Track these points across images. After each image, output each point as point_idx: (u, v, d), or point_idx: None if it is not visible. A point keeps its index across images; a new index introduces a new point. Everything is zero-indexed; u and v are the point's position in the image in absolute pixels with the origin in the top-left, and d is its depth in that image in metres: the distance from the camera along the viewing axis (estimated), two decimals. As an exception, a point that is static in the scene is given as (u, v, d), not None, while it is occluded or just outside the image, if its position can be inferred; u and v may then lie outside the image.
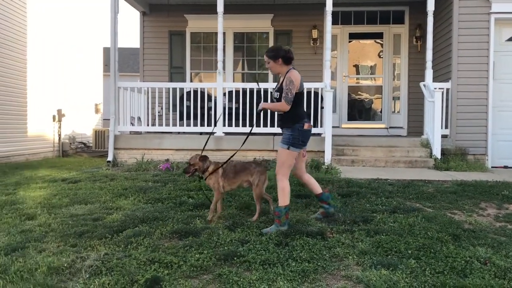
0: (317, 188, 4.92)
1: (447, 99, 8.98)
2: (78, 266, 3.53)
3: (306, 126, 4.58)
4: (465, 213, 5.21)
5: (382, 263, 3.55)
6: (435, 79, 9.35)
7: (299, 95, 4.58)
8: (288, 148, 4.53)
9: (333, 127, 8.65)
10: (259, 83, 9.82)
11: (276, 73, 4.76)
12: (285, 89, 4.48)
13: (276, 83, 5.00)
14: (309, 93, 8.68)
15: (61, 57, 14.80)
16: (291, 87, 4.45)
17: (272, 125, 8.91)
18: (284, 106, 4.49)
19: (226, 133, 9.14)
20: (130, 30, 44.58)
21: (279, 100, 4.59)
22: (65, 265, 3.54)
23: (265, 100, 9.02)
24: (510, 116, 9.08)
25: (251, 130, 5.62)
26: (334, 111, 11.14)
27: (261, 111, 4.83)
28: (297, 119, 4.57)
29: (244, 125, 9.14)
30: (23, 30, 12.74)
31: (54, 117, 14.52)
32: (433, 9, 8.83)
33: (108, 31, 9.40)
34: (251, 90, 9.16)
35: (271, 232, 4.32)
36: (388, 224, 4.63)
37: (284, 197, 4.53)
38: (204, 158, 4.89)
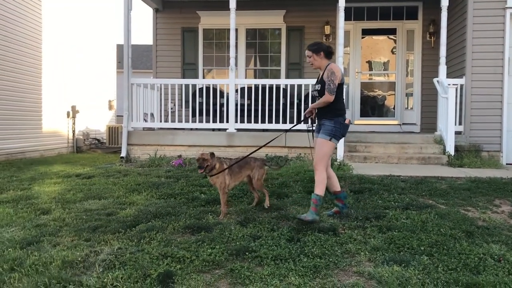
0: (337, 185, 4.90)
1: (460, 95, 8.88)
2: (91, 260, 3.58)
3: (347, 121, 4.67)
4: (478, 210, 5.16)
5: (395, 259, 3.54)
6: (449, 75, 9.25)
7: (340, 86, 4.62)
8: (330, 140, 4.60)
9: (345, 123, 8.61)
10: (272, 79, 9.80)
11: (316, 68, 4.79)
12: (327, 80, 4.55)
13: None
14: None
15: (75, 54, 14.94)
16: (333, 78, 4.53)
17: (284, 122, 8.93)
18: (328, 97, 4.54)
19: (238, 130, 9.16)
20: (143, 27, 44.90)
21: (320, 91, 4.65)
22: (79, 259, 3.59)
23: (278, 96, 9.03)
24: (525, 113, 8.93)
25: (292, 127, 5.76)
26: (346, 107, 11.09)
27: (311, 114, 4.85)
28: (339, 112, 4.65)
29: (256, 121, 9.15)
30: (38, 28, 12.88)
31: (68, 113, 14.68)
32: (447, 4, 8.71)
33: (122, 28, 9.45)
34: (263, 87, 9.16)
35: (309, 219, 4.35)
36: (400, 220, 4.61)
37: (323, 188, 4.56)
38: (213, 155, 4.86)
